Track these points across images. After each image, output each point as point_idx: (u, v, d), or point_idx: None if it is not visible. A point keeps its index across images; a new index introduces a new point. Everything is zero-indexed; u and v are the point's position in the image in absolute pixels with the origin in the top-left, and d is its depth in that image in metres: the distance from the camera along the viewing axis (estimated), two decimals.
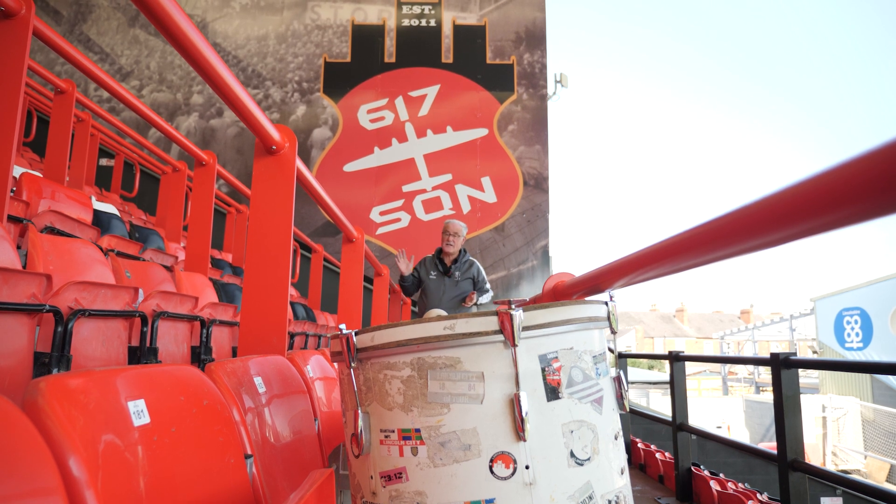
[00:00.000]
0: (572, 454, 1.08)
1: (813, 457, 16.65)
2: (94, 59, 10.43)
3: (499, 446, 1.06)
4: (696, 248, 1.07)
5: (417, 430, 1.08)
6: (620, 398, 1.23)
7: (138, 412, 0.92)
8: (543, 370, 1.09)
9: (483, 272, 4.82)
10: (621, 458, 1.20)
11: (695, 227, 1.04)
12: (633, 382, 22.01)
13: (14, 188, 3.28)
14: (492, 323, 1.08)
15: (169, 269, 3.39)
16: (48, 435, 0.74)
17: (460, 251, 4.79)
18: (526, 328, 1.08)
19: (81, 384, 0.84)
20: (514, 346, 1.07)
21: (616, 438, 1.19)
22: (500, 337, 1.07)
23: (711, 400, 23.10)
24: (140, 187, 8.81)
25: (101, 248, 2.70)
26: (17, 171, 3.53)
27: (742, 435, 19.16)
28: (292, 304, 5.40)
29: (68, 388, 0.82)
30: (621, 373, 1.25)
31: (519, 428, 1.05)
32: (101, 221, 4.01)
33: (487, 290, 4.77)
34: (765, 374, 26.03)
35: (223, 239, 8.32)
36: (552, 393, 1.09)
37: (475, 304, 4.64)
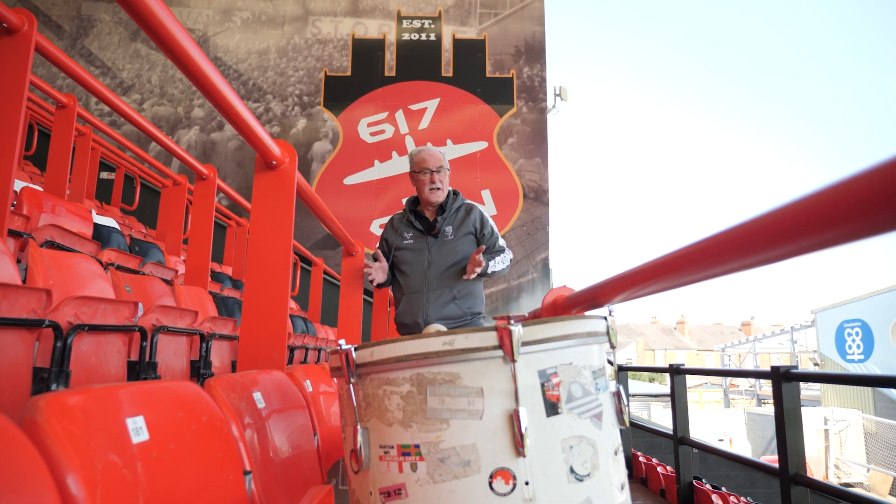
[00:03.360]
0: (572, 470, 1.08)
1: (815, 470, 16.56)
2: (95, 73, 10.49)
3: (498, 462, 1.05)
4: (696, 264, 1.07)
5: (417, 446, 1.08)
6: (620, 413, 1.22)
7: (137, 429, 0.92)
8: (543, 385, 1.09)
9: (491, 222, 2.89)
10: (622, 473, 1.19)
11: (696, 243, 1.04)
12: (633, 395, 21.95)
13: (15, 202, 3.29)
14: (491, 338, 1.08)
15: (169, 282, 3.39)
16: (47, 453, 0.74)
17: (449, 193, 2.87)
18: (525, 343, 1.08)
19: (80, 401, 0.84)
20: (514, 361, 1.07)
21: (616, 454, 1.18)
22: (500, 352, 1.07)
23: (713, 412, 23.03)
24: (140, 201, 8.82)
25: (100, 263, 2.70)
26: (18, 184, 3.54)
27: (744, 448, 19.07)
28: (292, 317, 5.39)
29: (67, 405, 0.82)
30: (621, 388, 1.25)
31: (518, 444, 1.04)
32: (101, 235, 4.02)
33: (503, 249, 2.85)
34: (766, 386, 25.91)
35: (223, 252, 8.32)
36: (551, 408, 1.09)
37: (486, 272, 2.73)
